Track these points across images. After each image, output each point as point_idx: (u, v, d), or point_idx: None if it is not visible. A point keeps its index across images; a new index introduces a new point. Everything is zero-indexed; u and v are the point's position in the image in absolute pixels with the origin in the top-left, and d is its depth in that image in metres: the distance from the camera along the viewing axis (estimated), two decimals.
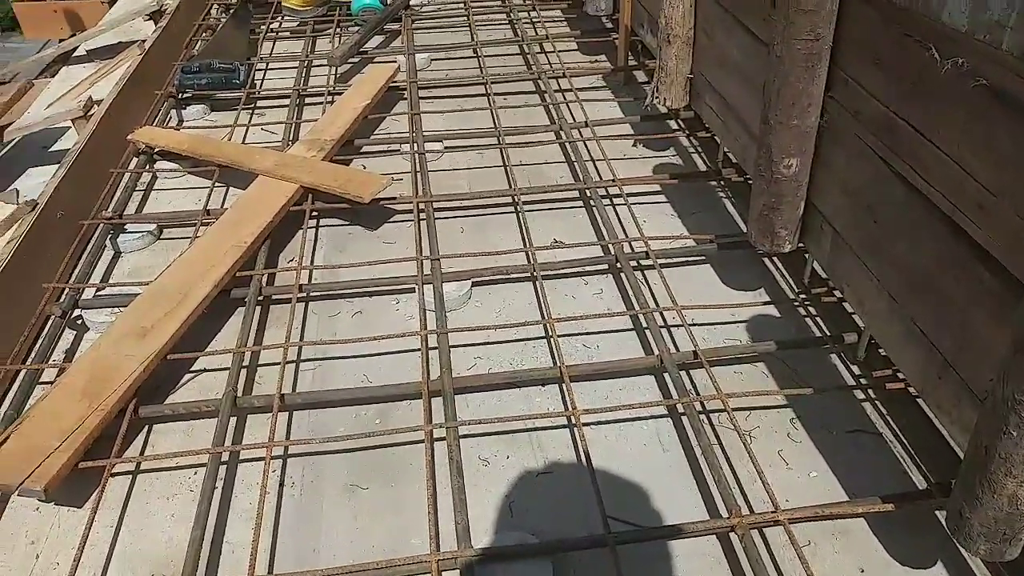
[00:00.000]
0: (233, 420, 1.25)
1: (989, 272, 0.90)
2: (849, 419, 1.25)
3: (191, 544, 1.03)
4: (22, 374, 1.32)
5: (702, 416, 1.25)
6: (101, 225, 1.67)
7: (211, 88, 2.21)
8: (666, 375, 1.30)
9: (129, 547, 1.09)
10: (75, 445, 1.11)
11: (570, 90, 2.19)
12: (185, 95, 2.21)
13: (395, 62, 2.32)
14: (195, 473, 1.19)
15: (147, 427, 1.26)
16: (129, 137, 1.93)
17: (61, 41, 3.40)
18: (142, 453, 1.22)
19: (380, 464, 1.21)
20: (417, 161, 1.90)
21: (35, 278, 1.45)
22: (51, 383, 1.29)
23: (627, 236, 1.65)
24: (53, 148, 2.08)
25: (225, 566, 1.07)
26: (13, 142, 1.95)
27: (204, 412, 1.26)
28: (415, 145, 1.97)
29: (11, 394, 1.29)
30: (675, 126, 2.06)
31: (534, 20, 2.71)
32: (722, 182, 1.81)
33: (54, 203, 1.57)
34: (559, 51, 2.45)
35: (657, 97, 1.89)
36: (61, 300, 1.46)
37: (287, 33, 2.72)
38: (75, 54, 2.55)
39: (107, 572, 1.06)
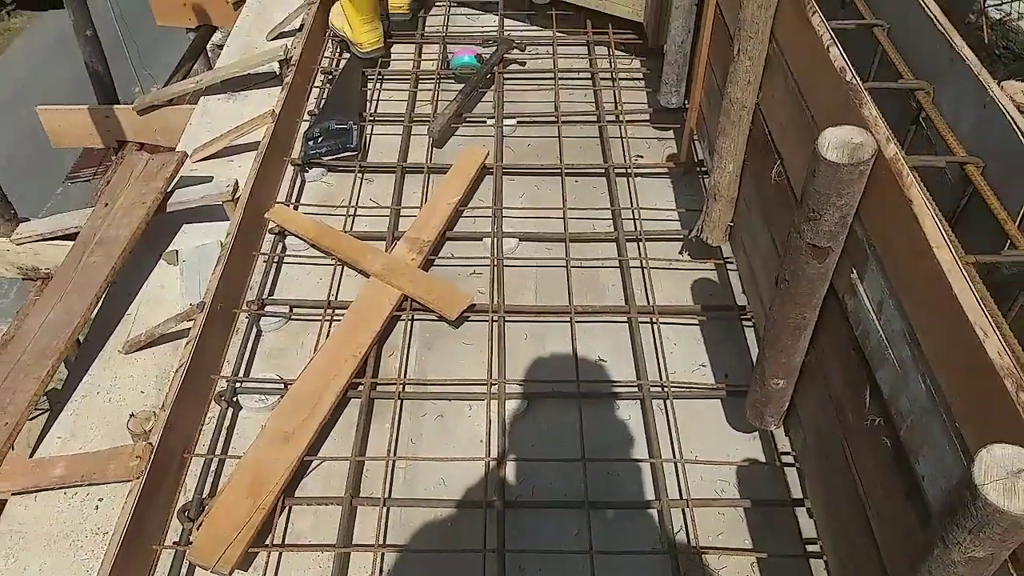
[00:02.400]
0: (349, 510, 1.76)
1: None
2: None
3: None
4: (203, 462, 1.84)
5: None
6: (247, 311, 2.16)
7: (329, 154, 2.62)
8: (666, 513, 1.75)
9: None
10: (247, 537, 1.62)
11: (629, 173, 2.58)
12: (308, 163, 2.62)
13: (485, 147, 2.66)
14: (321, 553, 1.71)
15: (288, 509, 1.78)
16: (266, 216, 2.37)
17: (188, 31, 3.81)
18: (284, 533, 1.75)
19: (451, 568, 1.70)
20: (495, 254, 2.33)
21: (203, 369, 1.95)
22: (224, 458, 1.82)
23: (658, 364, 2.06)
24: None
25: None
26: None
27: (330, 500, 1.77)
28: (495, 240, 2.38)
29: (196, 477, 1.81)
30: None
31: (615, 86, 3.01)
32: (744, 320, 2.19)
33: (216, 298, 2.04)
34: (630, 135, 2.77)
35: (701, 233, 2.24)
36: (224, 389, 1.96)
37: (392, 77, 3.07)
38: (208, 86, 2.94)
39: None
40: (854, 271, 1.36)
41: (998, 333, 1.01)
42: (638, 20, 3.06)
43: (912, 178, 1.20)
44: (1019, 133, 1.26)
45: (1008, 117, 1.29)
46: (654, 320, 2.17)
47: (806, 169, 1.30)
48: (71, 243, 2.32)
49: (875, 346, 1.29)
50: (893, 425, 1.23)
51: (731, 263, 2.30)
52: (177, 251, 2.36)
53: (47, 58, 16.28)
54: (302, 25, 3.17)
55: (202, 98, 2.98)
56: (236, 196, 2.33)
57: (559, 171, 2.65)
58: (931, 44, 1.56)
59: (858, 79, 1.44)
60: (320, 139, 2.62)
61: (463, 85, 2.89)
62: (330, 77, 3.00)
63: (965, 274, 1.08)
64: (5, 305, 11.71)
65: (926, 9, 1.57)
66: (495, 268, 2.30)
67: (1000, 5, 12.57)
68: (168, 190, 2.37)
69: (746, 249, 2.07)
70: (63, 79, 15.25)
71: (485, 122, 2.88)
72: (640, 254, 2.36)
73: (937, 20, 1.54)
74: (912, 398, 1.17)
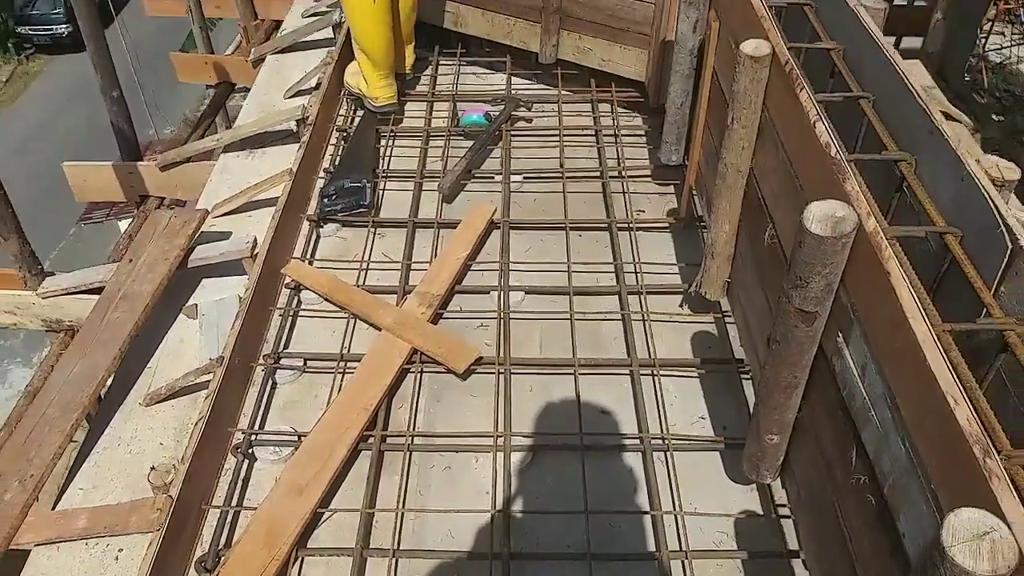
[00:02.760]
0: (360, 561, 1.82)
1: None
2: None
3: None
4: (219, 513, 1.91)
5: None
6: (263, 364, 2.24)
7: (343, 212, 2.73)
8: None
9: None
10: None
11: (631, 227, 2.69)
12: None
13: (493, 203, 2.77)
14: None
15: (301, 560, 1.84)
16: (282, 271, 2.47)
17: (208, 88, 3.96)
18: None
19: None
20: (502, 307, 2.41)
21: (221, 422, 2.03)
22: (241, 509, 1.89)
23: (659, 415, 2.13)
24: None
25: None
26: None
27: (341, 552, 1.83)
28: (502, 293, 2.47)
29: (212, 528, 1.88)
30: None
31: (618, 142, 3.12)
32: (742, 373, 2.25)
33: (234, 352, 2.13)
34: (632, 190, 2.88)
35: (700, 288, 2.32)
36: (241, 441, 2.04)
37: (404, 135, 3.20)
38: (231, 143, 3.07)
39: None
40: (840, 335, 1.44)
41: (968, 401, 1.09)
42: (640, 80, 3.19)
43: (890, 251, 1.28)
44: (995, 209, 1.34)
45: (984, 192, 1.37)
46: (655, 372, 2.23)
47: (794, 237, 1.39)
48: (94, 297, 2.43)
49: (860, 407, 1.36)
50: (878, 483, 1.30)
51: (729, 317, 2.37)
52: (197, 305, 2.46)
53: (64, 101, 16.72)
54: (319, 84, 3.31)
55: (222, 155, 3.10)
56: (255, 252, 2.43)
57: (564, 226, 2.75)
58: (913, 116, 1.65)
59: (843, 153, 1.53)
60: (335, 196, 2.73)
61: (472, 142, 3.00)
62: (345, 135, 3.12)
63: (939, 344, 1.15)
64: (15, 345, 11.86)
65: (907, 84, 1.66)
66: (502, 321, 2.39)
67: (1000, 49, 12.75)
68: (190, 246, 2.47)
69: (742, 304, 2.15)
70: (79, 121, 15.65)
71: (493, 178, 2.99)
72: (642, 307, 2.44)
73: (917, 95, 1.64)
74: (893, 459, 1.23)
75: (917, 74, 3.54)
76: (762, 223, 1.91)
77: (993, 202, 1.35)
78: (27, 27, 17.72)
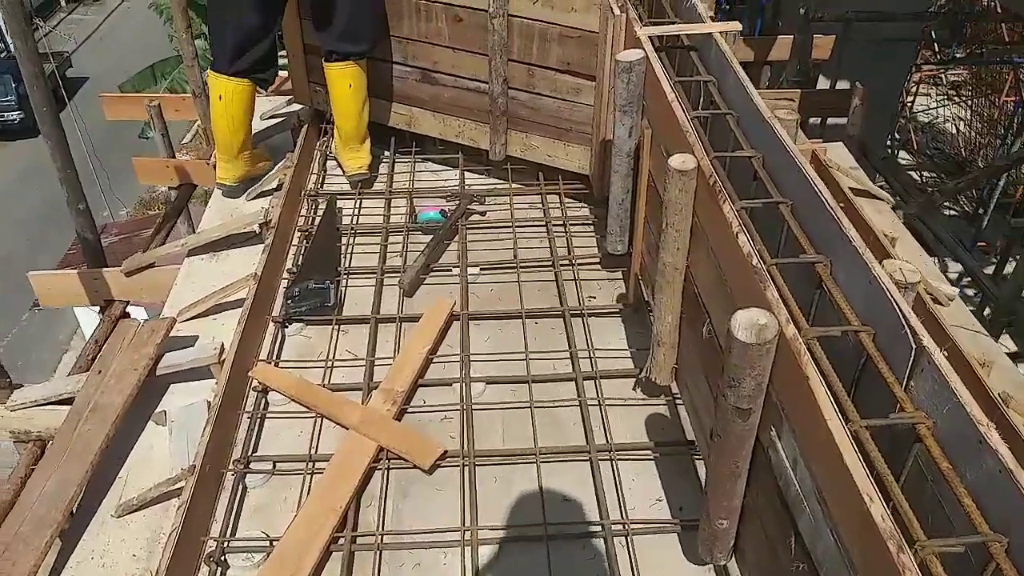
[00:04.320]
0: None
1: None
2: None
3: None
4: None
5: None
6: (233, 470, 2.30)
7: (308, 313, 2.83)
8: None
9: None
10: None
11: (584, 314, 2.84)
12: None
13: (452, 296, 2.90)
14: None
15: None
16: (249, 374, 2.56)
17: (170, 189, 4.06)
18: None
19: None
20: (464, 399, 2.52)
21: (193, 532, 2.08)
22: None
23: (619, 500, 2.23)
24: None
25: None
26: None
27: None
28: (463, 386, 2.58)
29: None
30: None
31: (567, 232, 3.30)
32: (694, 455, 2.38)
33: (205, 459, 2.19)
34: (582, 277, 3.05)
35: (650, 374, 2.46)
36: (213, 550, 2.08)
37: (364, 232, 3.33)
38: (195, 247, 3.16)
39: None
40: (773, 430, 1.58)
41: (883, 495, 1.22)
42: (585, 173, 3.39)
43: (808, 356, 1.44)
44: (899, 311, 1.50)
45: (889, 295, 1.54)
46: (613, 457, 2.35)
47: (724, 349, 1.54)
48: (64, 407, 2.48)
49: (794, 497, 1.50)
50: (815, 571, 1.42)
51: (679, 399, 2.51)
52: (166, 412, 2.51)
53: (16, 184, 16.64)
54: (280, 185, 3.44)
55: (187, 259, 3.20)
56: (222, 358, 2.51)
57: (520, 315, 2.89)
58: (827, 222, 1.83)
59: (763, 263, 1.70)
60: (299, 298, 2.83)
61: (430, 238, 3.15)
62: (307, 234, 3.24)
63: (853, 442, 1.29)
64: None
65: (819, 194, 1.85)
66: (464, 413, 2.49)
67: (927, 110, 13.42)
68: (158, 354, 2.54)
69: (690, 390, 2.29)
70: (33, 203, 15.55)
71: (451, 271, 3.13)
72: (597, 392, 2.57)
73: (827, 203, 1.82)
74: (825, 548, 1.36)
75: (840, 156, 3.83)
76: (700, 317, 2.07)
77: (897, 304, 1.52)
78: None
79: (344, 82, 3.29)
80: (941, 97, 13.34)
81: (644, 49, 2.53)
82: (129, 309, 3.36)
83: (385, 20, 3.37)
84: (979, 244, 8.41)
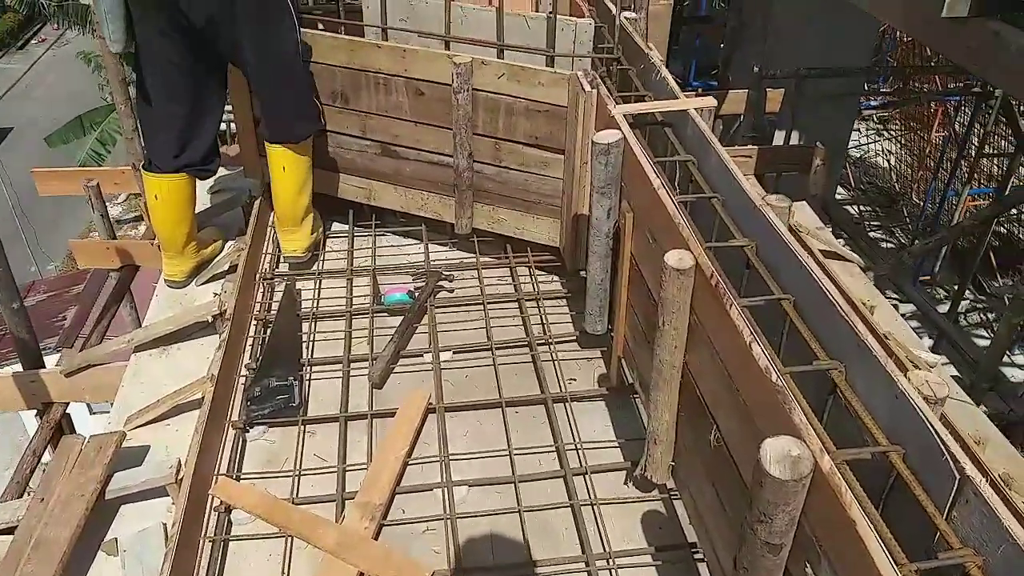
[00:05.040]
0: None
1: None
2: None
3: None
4: None
5: None
6: None
7: (271, 415, 2.62)
8: None
9: None
10: None
11: (566, 399, 2.72)
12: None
13: (426, 390, 2.73)
14: None
15: None
16: (210, 492, 2.33)
17: (111, 271, 3.80)
18: None
19: None
20: (447, 506, 2.35)
21: None
22: None
23: None
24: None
25: None
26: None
27: None
28: (445, 491, 2.40)
29: None
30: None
31: (540, 308, 3.17)
32: (695, 556, 2.25)
33: None
34: (561, 358, 2.92)
35: (645, 471, 2.33)
36: None
37: (327, 316, 3.14)
38: (142, 343, 2.93)
39: None
40: (808, 565, 1.46)
41: None
42: (555, 245, 3.28)
43: (849, 495, 1.32)
44: (935, 435, 1.40)
45: (922, 416, 1.44)
46: (611, 565, 2.20)
47: (751, 480, 1.41)
48: (4, 537, 2.22)
49: None
50: None
51: (676, 495, 2.38)
52: (116, 539, 2.27)
53: None
54: (232, 267, 3.24)
55: (133, 355, 2.96)
56: (179, 477, 2.29)
57: (499, 403, 2.73)
58: (837, 322, 1.74)
59: (783, 379, 1.59)
60: (261, 398, 2.63)
61: (398, 323, 2.98)
62: (265, 323, 3.04)
63: None
64: None
65: (827, 294, 1.76)
66: (449, 523, 2.31)
67: (859, 145, 13.85)
68: (107, 475, 2.30)
69: (691, 491, 2.16)
70: None
71: (423, 356, 2.96)
72: (588, 490, 2.43)
73: (838, 305, 1.73)
74: None
75: (805, 216, 3.81)
76: (704, 421, 1.95)
77: (933, 427, 1.42)
78: None
79: (278, 164, 3.12)
80: (871, 132, 13.81)
81: (621, 130, 2.45)
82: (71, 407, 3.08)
83: (317, 111, 3.21)
84: (921, 279, 8.59)
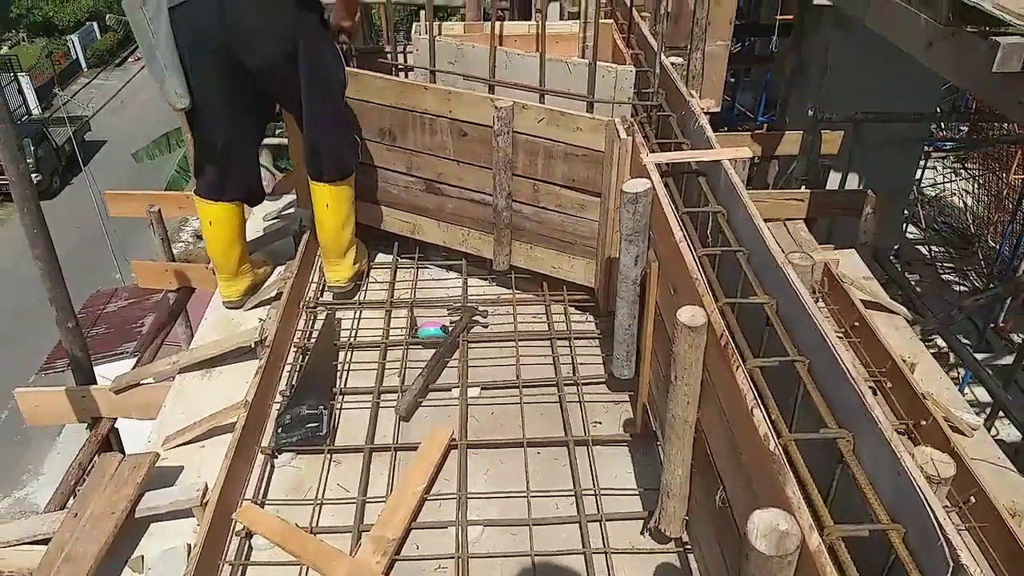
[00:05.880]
0: None
1: None
2: None
3: None
4: None
5: None
6: None
7: (300, 443, 2.70)
8: None
9: None
10: None
11: (588, 443, 2.71)
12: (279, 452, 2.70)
13: (450, 427, 2.77)
14: None
15: None
16: (233, 516, 2.42)
17: (169, 291, 3.98)
18: None
19: None
20: (460, 545, 2.37)
21: None
22: None
23: None
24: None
25: None
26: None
27: None
28: (460, 530, 2.43)
29: None
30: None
31: (571, 347, 3.19)
32: None
33: None
34: (587, 399, 2.92)
35: (659, 524, 2.31)
36: None
37: (362, 347, 3.23)
38: (187, 366, 3.06)
39: None
40: None
41: None
42: (590, 285, 3.29)
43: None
44: (933, 518, 1.36)
45: (921, 496, 1.41)
46: None
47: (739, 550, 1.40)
48: (39, 547, 2.34)
49: None
50: None
51: (690, 548, 2.35)
52: (143, 557, 2.37)
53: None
54: (279, 293, 3.36)
55: (178, 376, 3.09)
56: (204, 500, 2.38)
57: (521, 443, 2.75)
58: (848, 392, 1.71)
59: (780, 438, 1.57)
60: (291, 426, 2.71)
61: (429, 358, 3.04)
62: (303, 351, 3.14)
63: None
64: None
65: (839, 361, 1.73)
66: (459, 561, 2.34)
67: (934, 184, 13.39)
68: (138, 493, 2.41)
69: (702, 548, 2.14)
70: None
71: (450, 391, 3.01)
72: (602, 537, 2.42)
73: (849, 374, 1.70)
74: None
75: (853, 264, 3.73)
76: (713, 479, 1.94)
77: (932, 510, 1.38)
78: None
79: (321, 200, 3.24)
80: (948, 171, 13.34)
81: (651, 179, 2.46)
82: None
83: (357, 148, 3.30)
84: (992, 326, 8.20)
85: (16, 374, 12.15)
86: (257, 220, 4.08)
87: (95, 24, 24.14)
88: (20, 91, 20.59)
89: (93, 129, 20.91)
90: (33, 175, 18.10)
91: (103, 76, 25.97)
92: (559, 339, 3.24)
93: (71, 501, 2.75)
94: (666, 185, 2.59)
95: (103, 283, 13.51)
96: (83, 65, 24.62)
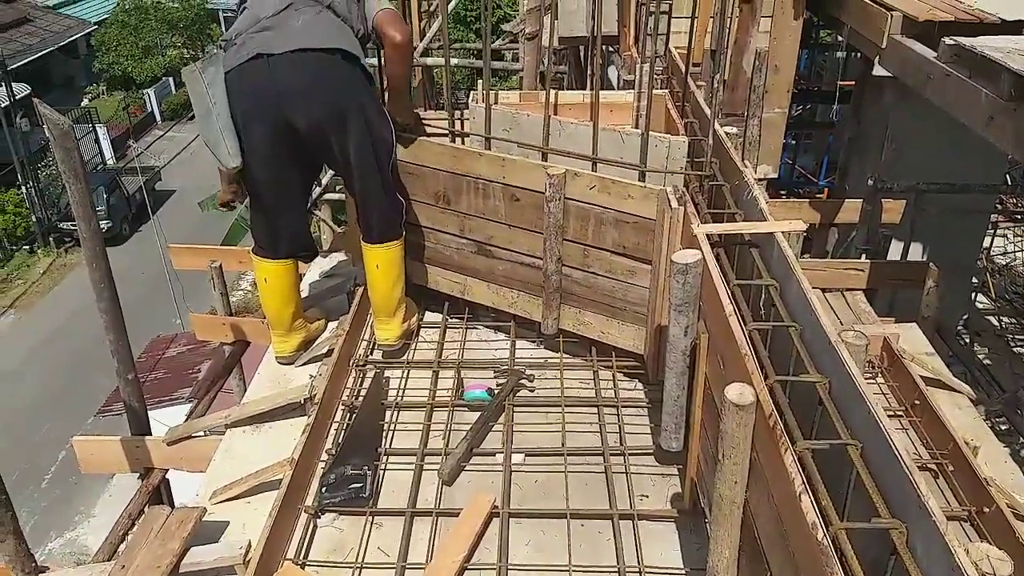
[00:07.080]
0: None
1: None
2: None
3: None
4: None
5: None
6: None
7: (342, 504, 2.71)
8: None
9: None
10: None
11: (634, 517, 2.66)
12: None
13: (492, 494, 2.74)
14: None
15: None
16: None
17: (223, 345, 4.08)
18: None
19: None
20: None
21: None
22: None
23: None
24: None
25: None
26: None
27: None
28: None
29: None
30: None
31: (619, 415, 3.14)
32: None
33: None
34: (634, 470, 2.87)
35: None
36: None
37: (408, 407, 3.24)
38: (238, 419, 3.12)
39: None
40: None
41: None
42: (639, 352, 3.26)
43: None
44: None
45: None
46: None
47: None
48: None
49: None
50: None
51: None
52: None
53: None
54: (331, 350, 3.41)
55: (228, 431, 3.15)
56: (247, 559, 2.39)
57: (565, 514, 2.70)
58: (902, 479, 1.64)
59: (829, 528, 1.51)
60: (334, 486, 2.72)
61: (474, 421, 3.03)
62: (351, 409, 3.17)
63: None
64: None
65: (892, 447, 1.67)
66: None
67: (1004, 253, 12.99)
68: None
69: None
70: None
71: (495, 455, 2.99)
72: None
73: (902, 459, 1.64)
74: None
75: (914, 338, 3.61)
76: (761, 566, 1.87)
77: None
78: (69, 223, 18.78)
79: (372, 261, 3.31)
80: (1019, 239, 12.92)
81: (701, 250, 2.45)
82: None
83: (402, 208, 3.36)
84: None
85: (78, 414, 12.58)
86: (313, 275, 4.17)
87: (171, 80, 25.40)
88: (97, 141, 21.63)
89: (163, 179, 21.83)
90: (104, 222, 18.96)
91: (175, 129, 27.22)
92: (606, 406, 3.21)
93: (122, 546, 2.80)
94: (717, 256, 2.58)
95: (165, 328, 13.94)
96: (157, 118, 25.84)
